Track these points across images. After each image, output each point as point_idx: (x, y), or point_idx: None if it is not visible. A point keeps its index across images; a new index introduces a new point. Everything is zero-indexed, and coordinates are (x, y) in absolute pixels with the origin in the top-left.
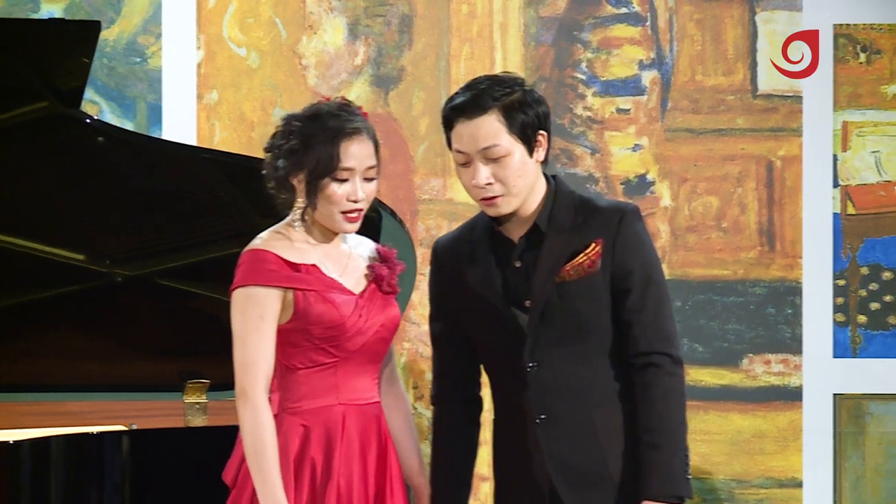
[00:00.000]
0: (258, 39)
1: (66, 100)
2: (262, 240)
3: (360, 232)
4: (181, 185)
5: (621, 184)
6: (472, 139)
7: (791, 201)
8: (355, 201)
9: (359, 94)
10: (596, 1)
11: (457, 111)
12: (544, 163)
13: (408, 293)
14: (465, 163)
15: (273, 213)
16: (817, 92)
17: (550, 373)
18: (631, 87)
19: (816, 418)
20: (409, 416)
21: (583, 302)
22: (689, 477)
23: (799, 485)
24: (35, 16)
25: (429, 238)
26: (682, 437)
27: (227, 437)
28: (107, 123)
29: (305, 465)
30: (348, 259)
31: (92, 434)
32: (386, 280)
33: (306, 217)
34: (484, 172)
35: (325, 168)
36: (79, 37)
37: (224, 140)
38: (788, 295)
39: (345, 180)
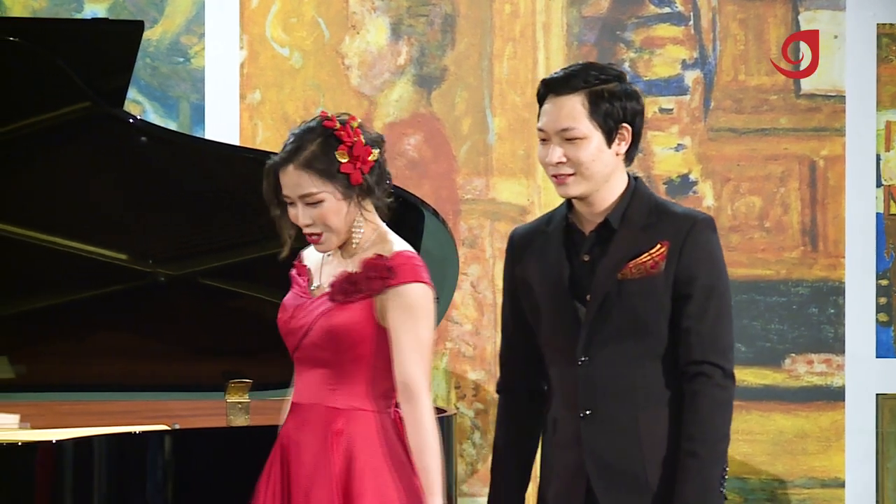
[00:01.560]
0: (301, 39)
1: (110, 99)
2: None
3: (402, 232)
4: (224, 184)
5: (664, 183)
6: (554, 118)
7: (834, 201)
8: (303, 225)
9: (401, 93)
10: (639, 1)
11: (547, 86)
12: (628, 160)
13: (450, 293)
14: (544, 139)
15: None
16: (860, 92)
17: (600, 369)
18: (674, 86)
19: (859, 418)
20: (411, 440)
21: (641, 302)
22: (724, 490)
23: (841, 485)
24: (78, 16)
25: (471, 238)
26: (724, 450)
27: (269, 437)
28: (150, 123)
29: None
30: (338, 266)
31: (134, 434)
32: (336, 289)
33: None
34: (557, 152)
35: (274, 196)
36: (122, 37)
37: (267, 140)
38: (831, 295)
39: (292, 204)
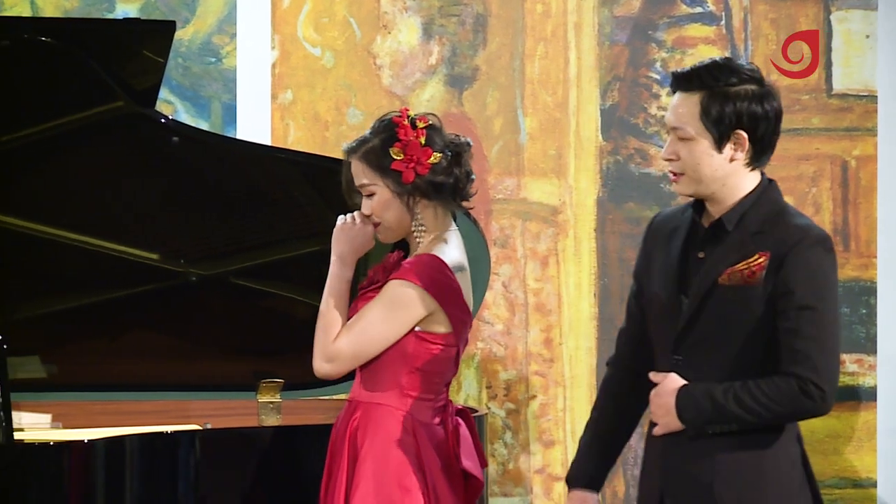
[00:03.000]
0: (333, 39)
1: (141, 99)
2: None
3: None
4: (255, 184)
5: None
6: (671, 114)
7: (866, 201)
8: (364, 214)
9: (433, 93)
10: (670, 0)
11: (673, 79)
12: (756, 163)
13: (482, 293)
14: (668, 131)
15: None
16: (892, 91)
17: (690, 371)
18: None
19: (891, 418)
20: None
21: (735, 310)
22: (711, 431)
23: (873, 485)
24: (110, 15)
25: (502, 238)
26: (744, 419)
27: (300, 437)
28: (181, 123)
29: None
30: None
31: (166, 433)
32: (363, 284)
33: None
34: (669, 147)
35: (351, 184)
36: (154, 37)
37: (298, 140)
38: (863, 295)
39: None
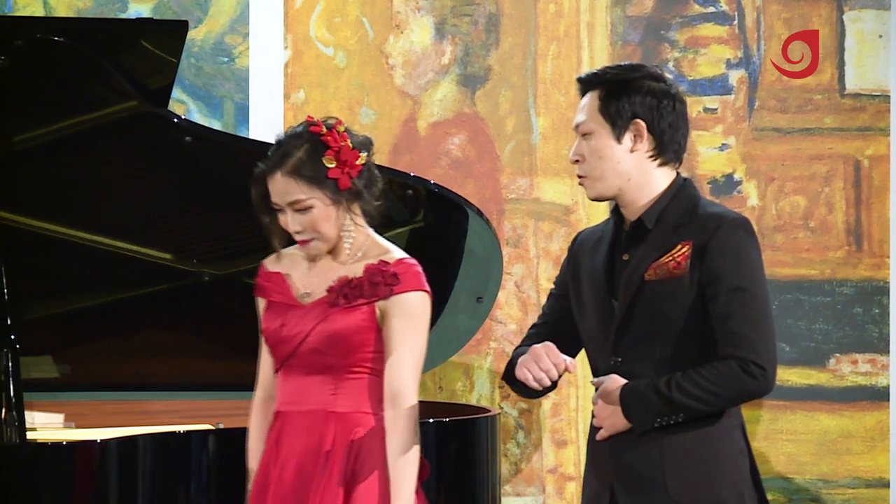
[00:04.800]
0: (345, 39)
1: (154, 99)
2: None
3: (446, 231)
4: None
5: (708, 183)
6: (577, 114)
7: (879, 201)
8: (293, 232)
9: (445, 93)
10: (683, 0)
11: (579, 85)
12: (662, 158)
13: (494, 293)
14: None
15: None
16: None
17: (630, 372)
18: (718, 86)
19: None
20: (390, 445)
21: (667, 303)
22: (658, 424)
23: (886, 485)
24: (123, 15)
25: (515, 237)
26: (692, 405)
27: None
28: (194, 123)
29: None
30: (329, 271)
31: (179, 433)
32: (335, 293)
33: None
34: (574, 149)
35: (263, 203)
36: (166, 36)
37: None
38: (876, 294)
39: (281, 210)
